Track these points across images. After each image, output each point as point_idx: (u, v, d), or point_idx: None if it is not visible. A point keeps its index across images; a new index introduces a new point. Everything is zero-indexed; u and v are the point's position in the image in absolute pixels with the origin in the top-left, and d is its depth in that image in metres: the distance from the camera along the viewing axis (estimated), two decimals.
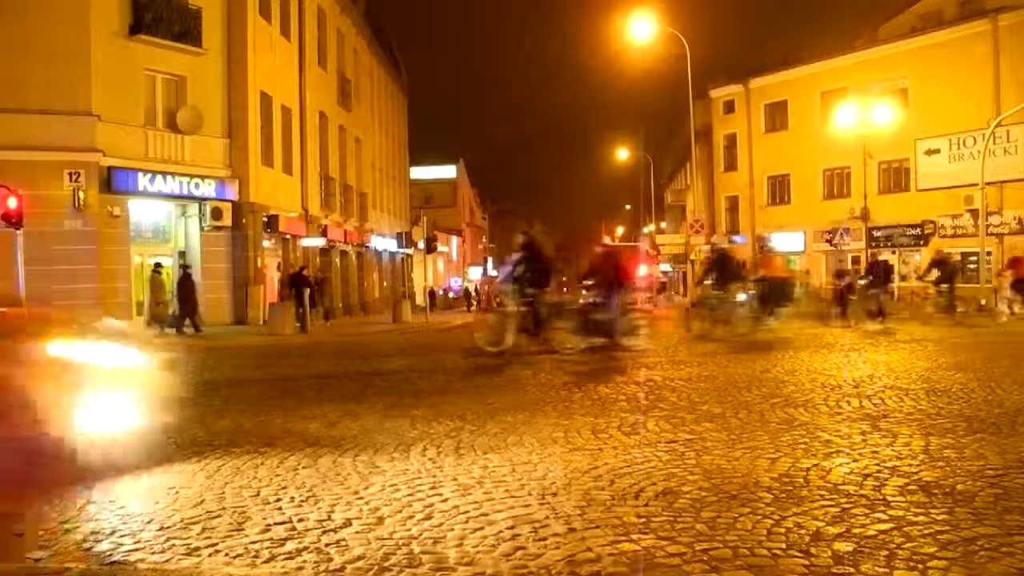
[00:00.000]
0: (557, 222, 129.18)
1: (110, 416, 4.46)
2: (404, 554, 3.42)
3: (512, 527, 3.77)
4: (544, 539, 3.59)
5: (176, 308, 19.66)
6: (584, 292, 14.66)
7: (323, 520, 3.93)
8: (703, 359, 11.38)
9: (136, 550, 3.59)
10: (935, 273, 19.30)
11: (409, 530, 3.74)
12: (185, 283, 19.70)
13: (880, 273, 19.09)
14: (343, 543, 3.58)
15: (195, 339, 18.05)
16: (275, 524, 3.90)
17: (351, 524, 3.86)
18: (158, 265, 20.36)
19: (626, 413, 6.86)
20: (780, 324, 16.13)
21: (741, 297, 15.77)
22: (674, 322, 19.23)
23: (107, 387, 4.48)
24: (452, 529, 3.75)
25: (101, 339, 4.83)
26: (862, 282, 19.30)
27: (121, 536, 3.78)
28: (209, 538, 3.71)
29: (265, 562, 3.40)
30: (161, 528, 3.89)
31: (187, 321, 19.26)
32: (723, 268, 15.79)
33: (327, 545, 3.56)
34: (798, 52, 37.41)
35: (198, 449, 5.69)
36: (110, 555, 3.54)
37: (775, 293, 16.03)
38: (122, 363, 4.59)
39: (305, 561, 3.37)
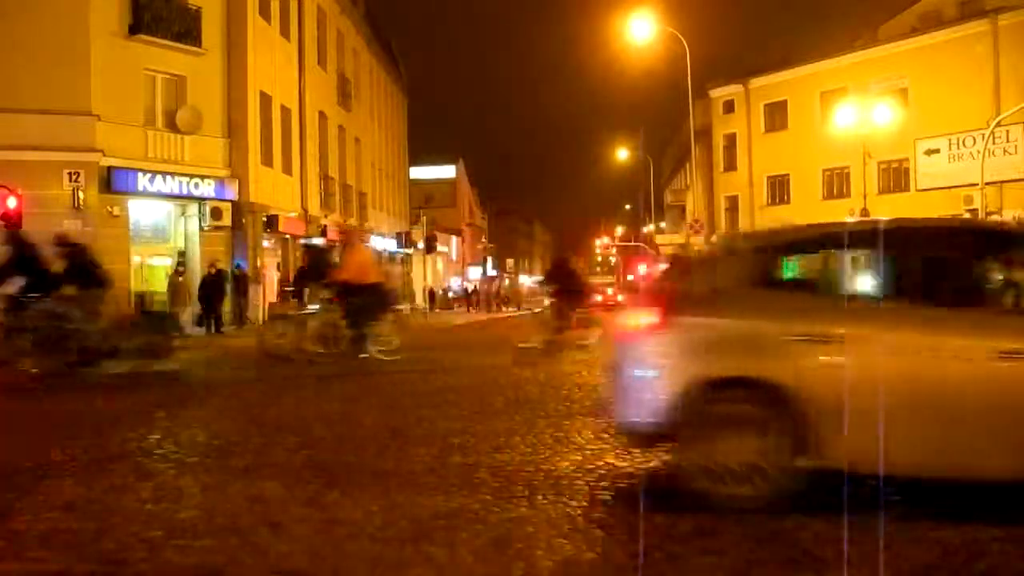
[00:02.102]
0: (557, 221, 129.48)
1: None
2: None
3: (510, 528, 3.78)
4: (547, 538, 3.60)
5: (199, 308, 19.86)
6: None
7: None
8: None
9: None
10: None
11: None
12: (214, 283, 20.01)
13: None
14: None
15: (212, 338, 18.29)
16: None
17: None
18: (180, 265, 20.58)
19: None
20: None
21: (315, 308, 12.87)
22: None
23: None
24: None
25: None
26: None
27: None
28: None
29: None
30: None
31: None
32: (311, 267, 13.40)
33: None
34: (798, 52, 37.35)
35: None
36: None
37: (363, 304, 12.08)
38: None
39: None
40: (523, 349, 13.02)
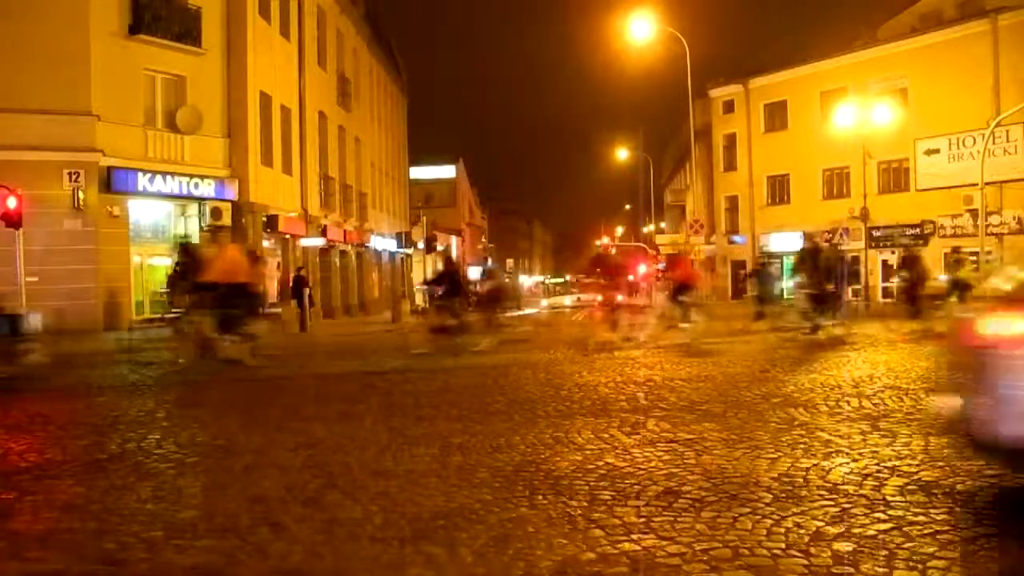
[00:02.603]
0: (557, 221, 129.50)
1: None
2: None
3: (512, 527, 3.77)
4: (547, 538, 3.60)
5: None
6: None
7: None
8: (703, 359, 11.36)
9: None
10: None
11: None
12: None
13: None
14: None
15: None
16: None
17: None
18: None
19: (627, 413, 6.86)
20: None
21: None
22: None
23: None
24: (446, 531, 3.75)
25: None
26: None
27: None
28: None
29: None
30: None
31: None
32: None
33: None
34: (798, 52, 37.34)
35: None
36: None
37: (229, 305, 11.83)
38: None
39: None
40: (416, 355, 12.96)
